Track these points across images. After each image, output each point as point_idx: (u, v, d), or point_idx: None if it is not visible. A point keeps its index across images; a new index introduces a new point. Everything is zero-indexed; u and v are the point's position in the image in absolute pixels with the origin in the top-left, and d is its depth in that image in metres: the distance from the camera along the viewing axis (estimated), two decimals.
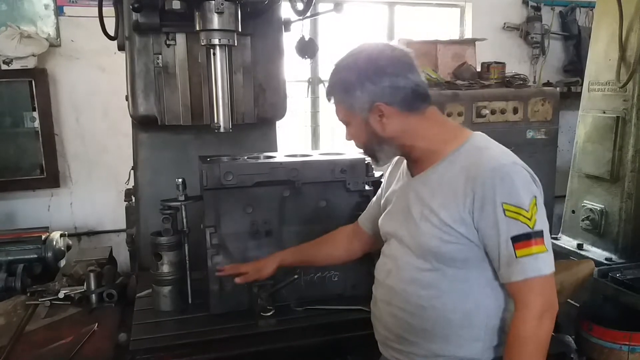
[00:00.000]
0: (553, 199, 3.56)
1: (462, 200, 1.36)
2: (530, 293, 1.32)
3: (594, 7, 3.94)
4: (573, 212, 3.66)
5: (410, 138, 1.47)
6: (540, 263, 1.31)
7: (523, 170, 1.36)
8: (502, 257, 1.33)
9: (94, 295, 2.11)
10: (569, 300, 3.00)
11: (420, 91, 1.44)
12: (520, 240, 1.31)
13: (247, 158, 2.06)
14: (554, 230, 3.73)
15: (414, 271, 1.46)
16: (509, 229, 1.31)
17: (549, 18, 4.98)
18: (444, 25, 4.94)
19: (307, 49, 2.58)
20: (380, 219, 1.63)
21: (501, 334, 1.42)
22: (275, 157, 2.13)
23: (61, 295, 2.14)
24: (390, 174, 1.69)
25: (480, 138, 1.47)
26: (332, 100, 1.51)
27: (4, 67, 3.51)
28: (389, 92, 1.41)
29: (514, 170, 1.34)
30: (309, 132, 4.72)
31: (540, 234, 1.32)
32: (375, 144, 1.49)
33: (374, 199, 1.81)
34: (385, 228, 1.60)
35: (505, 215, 1.31)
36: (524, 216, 1.31)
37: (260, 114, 2.39)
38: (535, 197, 1.34)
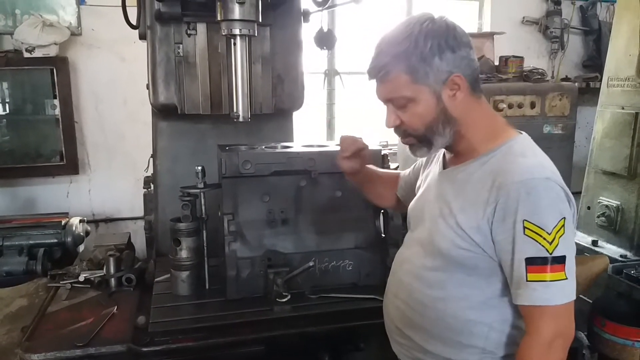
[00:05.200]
0: None
1: (482, 208, 1.27)
2: (541, 319, 1.23)
3: (615, 2, 3.90)
4: (589, 208, 3.64)
5: (465, 125, 1.36)
6: (551, 292, 1.21)
7: (556, 187, 1.24)
8: (514, 276, 1.25)
9: (113, 279, 2.16)
10: (581, 296, 3.00)
11: (479, 71, 1.37)
12: (535, 263, 1.21)
13: (265, 147, 2.09)
14: None
15: (422, 268, 1.42)
16: (525, 248, 1.22)
17: (569, 12, 4.92)
18: (462, 19, 4.91)
19: (326, 40, 2.60)
20: (409, 205, 1.60)
21: (506, 347, 1.35)
22: (292, 147, 2.16)
23: (81, 278, 2.19)
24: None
25: (520, 142, 1.36)
26: (390, 75, 1.32)
27: (27, 55, 3.57)
28: (465, 64, 1.31)
29: (545, 186, 1.23)
30: (324, 124, 4.74)
31: (560, 259, 1.21)
32: (440, 124, 1.34)
33: (412, 168, 1.75)
34: (409, 216, 1.58)
35: (524, 233, 1.21)
36: (544, 238, 1.20)
37: (278, 104, 2.41)
38: (565, 218, 1.22)
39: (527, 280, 1.22)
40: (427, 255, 1.41)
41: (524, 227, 1.21)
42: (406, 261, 1.50)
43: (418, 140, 1.39)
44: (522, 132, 1.42)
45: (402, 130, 1.40)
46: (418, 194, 1.57)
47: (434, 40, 1.27)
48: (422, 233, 1.45)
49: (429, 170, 1.56)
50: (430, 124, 1.35)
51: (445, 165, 1.48)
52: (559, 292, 1.22)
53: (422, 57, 1.27)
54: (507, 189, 1.24)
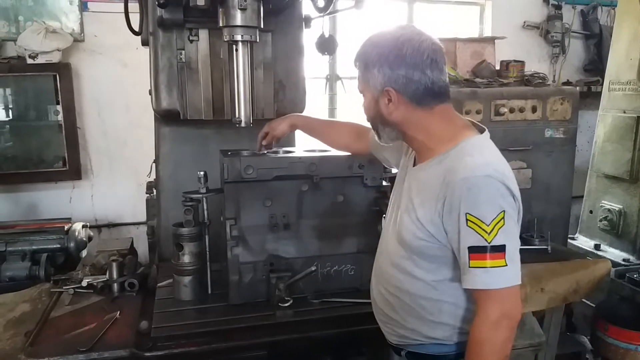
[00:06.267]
0: (570, 199, 3.54)
1: (434, 203, 1.42)
2: (487, 301, 1.37)
3: (615, 6, 3.91)
4: (591, 212, 3.64)
5: (412, 129, 1.52)
6: (491, 277, 1.34)
7: (496, 184, 1.36)
8: (461, 263, 1.40)
9: (116, 284, 2.16)
10: (584, 300, 3.00)
11: (434, 89, 1.46)
12: (476, 251, 1.35)
13: (267, 152, 2.10)
14: (572, 230, 3.72)
15: (395, 256, 1.57)
16: (467, 238, 1.36)
17: (570, 17, 4.93)
18: (463, 23, 4.92)
19: (327, 45, 2.61)
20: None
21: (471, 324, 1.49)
22: (294, 152, 2.17)
23: (84, 283, 2.19)
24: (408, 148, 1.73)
25: (472, 143, 1.47)
26: (355, 67, 1.56)
27: (30, 61, 3.58)
28: (401, 82, 1.45)
29: (484, 183, 1.35)
30: None
31: (499, 248, 1.34)
32: (379, 123, 1.55)
33: None
34: (390, 203, 1.72)
35: (467, 225, 1.35)
36: (483, 229, 1.33)
37: (279, 109, 2.42)
38: (504, 211, 1.35)
39: (469, 267, 1.36)
40: (398, 245, 1.55)
41: (467, 220, 1.35)
42: (384, 251, 1.65)
43: (371, 127, 1.62)
44: (483, 132, 1.53)
45: None
46: (395, 186, 1.71)
47: (376, 53, 1.46)
48: (394, 226, 1.59)
49: (404, 164, 1.70)
50: (372, 119, 1.58)
51: (413, 164, 1.62)
52: (498, 277, 1.35)
53: (366, 63, 1.49)
54: (453, 185, 1.38)
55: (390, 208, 1.69)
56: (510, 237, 1.36)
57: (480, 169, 1.37)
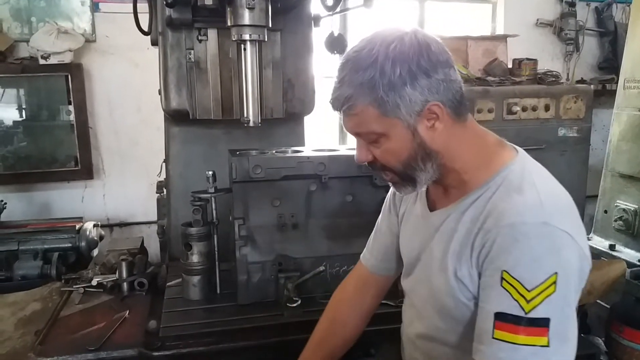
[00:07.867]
0: (585, 198, 3.50)
1: (470, 254, 1.11)
2: None
3: (630, 3, 3.85)
4: (605, 212, 3.58)
5: (450, 157, 1.16)
6: (522, 356, 1.00)
7: (554, 234, 1.02)
8: (478, 328, 1.08)
9: (125, 283, 2.16)
10: (599, 301, 2.95)
11: (463, 92, 1.15)
12: (505, 320, 1.02)
13: (276, 152, 2.09)
14: (586, 230, 3.66)
15: (433, 326, 1.28)
16: (497, 301, 1.04)
17: (584, 14, 4.87)
18: (475, 21, 4.89)
19: (337, 44, 2.59)
20: (403, 247, 1.42)
21: None
22: (302, 151, 2.15)
23: (94, 282, 2.20)
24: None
25: (517, 169, 1.14)
26: (355, 108, 1.12)
27: (42, 61, 3.62)
28: (444, 88, 1.09)
29: (537, 233, 1.02)
30: (337, 128, 4.73)
31: (538, 322, 1.00)
32: (419, 160, 1.15)
33: (379, 230, 1.56)
34: (405, 259, 1.40)
35: (501, 284, 1.03)
36: (522, 295, 1.00)
37: (288, 109, 2.41)
38: (557, 273, 1.00)
39: (492, 337, 1.03)
40: (435, 312, 1.26)
41: (502, 278, 1.03)
42: (416, 318, 1.37)
43: (399, 177, 1.20)
44: (517, 149, 1.22)
45: (379, 166, 1.20)
46: (407, 236, 1.39)
47: (403, 65, 1.05)
48: (423, 288, 1.30)
49: (408, 208, 1.40)
50: (407, 161, 1.15)
51: (431, 202, 1.29)
52: (532, 359, 1.01)
53: (390, 86, 1.06)
54: (495, 232, 1.06)
55: (410, 264, 1.36)
56: (556, 309, 1.01)
57: (533, 214, 1.04)
